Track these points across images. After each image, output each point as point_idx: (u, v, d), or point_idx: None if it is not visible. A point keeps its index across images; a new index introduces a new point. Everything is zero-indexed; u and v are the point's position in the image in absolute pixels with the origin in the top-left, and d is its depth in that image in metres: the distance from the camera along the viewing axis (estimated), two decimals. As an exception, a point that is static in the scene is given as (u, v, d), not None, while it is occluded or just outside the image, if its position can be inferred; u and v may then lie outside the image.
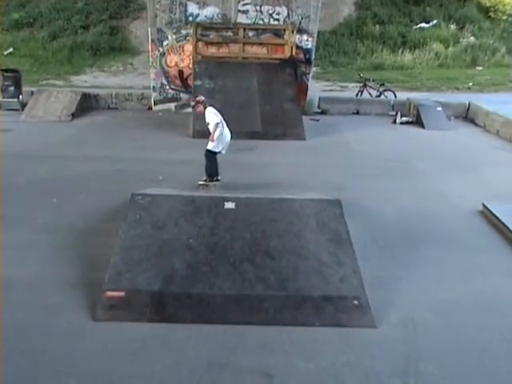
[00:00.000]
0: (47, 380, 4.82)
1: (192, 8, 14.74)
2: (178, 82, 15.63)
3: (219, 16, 14.86)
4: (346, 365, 5.06)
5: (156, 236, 6.79)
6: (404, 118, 15.60)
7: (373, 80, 18.71)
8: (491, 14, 27.97)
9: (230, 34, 15.03)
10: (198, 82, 14.20)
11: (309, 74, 15.85)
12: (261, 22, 14.98)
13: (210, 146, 9.60)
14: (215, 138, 9.53)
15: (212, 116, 9.62)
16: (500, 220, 8.25)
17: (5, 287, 6.14)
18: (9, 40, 24.29)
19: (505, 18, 27.70)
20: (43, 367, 4.97)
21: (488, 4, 28.14)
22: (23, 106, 15.07)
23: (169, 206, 7.42)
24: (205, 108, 9.77)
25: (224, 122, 9.81)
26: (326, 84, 21.39)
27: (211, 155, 9.66)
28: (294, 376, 4.98)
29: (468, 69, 24.50)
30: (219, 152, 9.73)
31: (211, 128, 9.57)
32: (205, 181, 9.70)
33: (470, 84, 21.99)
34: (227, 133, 9.86)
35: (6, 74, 15.32)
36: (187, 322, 5.68)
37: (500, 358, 5.34)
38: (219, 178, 9.81)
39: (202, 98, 10.11)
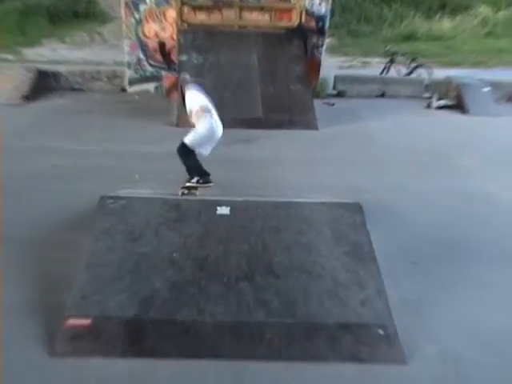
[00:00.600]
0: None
1: (175, -37, 14.76)
2: (158, 56, 15.62)
3: (210, -27, 14.91)
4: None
5: (131, 249, 6.81)
6: (442, 102, 15.61)
7: (402, 54, 18.75)
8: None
9: (223, -5, 15.07)
10: (184, 57, 14.18)
11: (322, 46, 15.85)
12: (262, -18, 15.03)
13: (190, 139, 8.37)
14: (201, 131, 8.44)
15: (196, 98, 8.73)
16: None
17: None
18: None
19: None
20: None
21: None
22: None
23: (147, 211, 7.45)
24: (182, 89, 9.12)
25: (214, 110, 8.72)
26: (343, 59, 21.43)
27: (186, 152, 8.48)
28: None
29: (523, 38, 24.45)
30: (198, 153, 8.65)
31: (194, 114, 8.55)
32: (196, 182, 8.79)
33: (526, 58, 21.97)
34: (218, 126, 8.62)
35: None
36: (170, 357, 5.67)
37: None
38: (210, 180, 8.88)
39: (186, 76, 9.53)
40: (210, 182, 8.84)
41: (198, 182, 8.76)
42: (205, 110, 8.46)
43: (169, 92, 15.57)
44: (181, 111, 13.00)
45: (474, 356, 5.82)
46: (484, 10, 25.42)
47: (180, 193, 8.62)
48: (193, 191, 8.76)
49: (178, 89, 9.30)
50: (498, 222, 8.76)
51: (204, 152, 8.55)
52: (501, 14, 25.40)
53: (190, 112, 8.71)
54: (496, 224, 8.69)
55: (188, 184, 8.73)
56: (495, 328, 6.28)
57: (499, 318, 6.43)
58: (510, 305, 6.71)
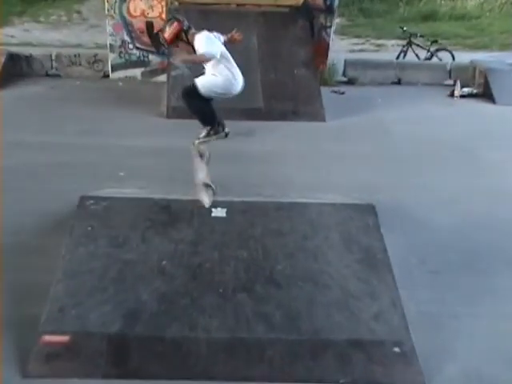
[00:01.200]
0: None
1: None
2: (145, 38, 15.63)
3: None
4: None
5: (115, 256, 6.83)
6: (466, 90, 15.62)
7: (421, 36, 18.76)
8: None
9: (219, -31, 15.09)
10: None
11: (330, 27, 15.85)
12: (262, -48, 15.04)
13: (201, 82, 7.79)
14: (217, 79, 7.83)
15: (209, 40, 7.85)
16: None
17: None
18: None
19: None
20: None
21: None
22: None
23: (133, 213, 7.47)
24: (186, 30, 7.92)
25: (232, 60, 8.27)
26: (354, 42, 21.45)
27: (192, 93, 7.89)
28: None
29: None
30: (209, 97, 7.99)
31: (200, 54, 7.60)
32: (207, 134, 8.26)
33: None
34: (238, 73, 8.24)
35: None
36: (158, 379, 5.67)
37: None
38: (226, 129, 8.49)
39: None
40: (225, 132, 8.44)
41: (208, 133, 8.23)
42: (219, 53, 7.74)
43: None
44: (171, 100, 13.10)
45: (499, 374, 5.86)
46: (514, -15, 25.48)
47: (199, 147, 8.28)
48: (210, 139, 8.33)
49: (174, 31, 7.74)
50: (529, 226, 8.78)
51: (218, 95, 8.01)
52: (534, -13, 25.45)
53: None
54: (527, 228, 8.72)
55: (202, 137, 8.25)
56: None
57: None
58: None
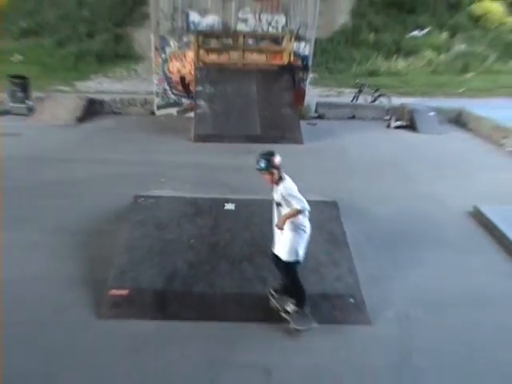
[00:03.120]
0: (53, 374, 4.87)
1: (193, 16, 14.72)
2: (179, 87, 15.59)
3: (220, 24, 14.83)
4: (342, 361, 5.07)
5: (159, 236, 6.81)
6: (398, 123, 15.58)
7: (368, 86, 18.71)
8: (481, 22, 28.00)
9: (230, 41, 15.00)
10: (200, 88, 14.18)
11: (306, 79, 15.82)
12: (260, 30, 14.96)
13: (284, 252, 5.46)
14: (288, 241, 5.41)
15: (293, 193, 5.36)
16: (490, 221, 8.27)
17: (12, 285, 6.19)
18: (17, 48, 24.32)
19: (494, 26, 27.75)
20: (49, 361, 5.02)
21: (478, 13, 28.19)
22: (31, 111, 15.02)
23: (171, 207, 7.44)
24: (280, 178, 5.57)
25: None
26: (322, 89, 21.36)
27: (290, 267, 5.54)
28: (292, 372, 5.01)
29: (459, 75, 24.46)
30: (298, 261, 5.53)
31: (285, 210, 5.38)
32: (295, 310, 5.68)
33: (462, 90, 21.98)
34: (308, 225, 5.58)
35: (14, 81, 15.25)
36: (189, 320, 5.70)
37: (489, 351, 5.42)
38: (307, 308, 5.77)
39: (278, 158, 5.64)
40: (312, 323, 5.61)
41: (296, 310, 5.67)
42: (303, 209, 5.30)
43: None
44: (196, 130, 13.09)
45: (420, 315, 5.89)
46: (429, 54, 25.55)
47: (291, 323, 5.61)
48: (302, 318, 5.66)
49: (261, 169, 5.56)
50: (438, 216, 8.75)
51: (300, 257, 5.47)
52: (442, 56, 25.57)
53: (279, 203, 5.49)
54: (436, 218, 8.69)
55: (289, 310, 5.70)
56: (434, 294, 6.39)
57: (437, 286, 6.55)
58: (444, 278, 6.79)
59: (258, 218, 7.10)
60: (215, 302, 5.92)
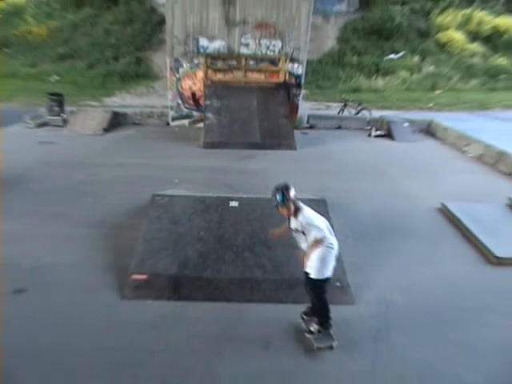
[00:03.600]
0: (85, 346, 4.90)
1: (203, 41, 14.75)
2: (191, 102, 15.56)
3: (225, 48, 14.84)
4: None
5: (173, 229, 6.79)
6: (378, 132, 15.54)
7: (352, 100, 18.65)
8: (446, 48, 28.43)
9: (234, 62, 14.99)
10: (208, 102, 14.18)
11: (299, 95, 15.79)
12: (259, 53, 14.95)
13: (313, 270, 4.89)
14: (316, 258, 4.80)
15: (313, 222, 4.78)
16: (455, 216, 8.27)
17: (50, 270, 6.25)
18: (55, 70, 24.62)
19: (457, 51, 28.12)
20: (81, 336, 5.05)
21: (444, 40, 28.65)
22: (65, 122, 15.04)
23: (183, 204, 7.42)
24: (296, 210, 4.90)
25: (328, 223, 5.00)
26: (313, 103, 21.34)
27: (319, 285, 4.97)
28: (287, 344, 5.01)
29: (429, 92, 24.53)
30: (328, 279, 4.95)
31: (308, 240, 4.81)
32: (318, 329, 5.13)
33: (431, 104, 22.01)
34: (335, 242, 4.91)
35: (52, 97, 15.36)
36: (199, 301, 5.71)
37: (457, 327, 5.42)
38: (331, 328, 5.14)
39: (292, 192, 4.93)
40: (333, 341, 5.05)
41: (318, 329, 5.13)
42: (323, 238, 4.72)
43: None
44: (205, 138, 13.08)
45: (398, 297, 5.87)
46: (403, 74, 25.66)
47: (314, 343, 5.03)
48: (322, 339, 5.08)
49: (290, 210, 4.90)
50: (411, 212, 8.72)
51: (329, 274, 4.90)
52: (414, 76, 25.76)
53: (298, 230, 4.89)
54: (410, 213, 8.65)
55: (313, 329, 5.15)
56: (409, 279, 6.37)
57: (411, 273, 6.53)
58: (417, 265, 6.77)
59: (257, 214, 7.09)
60: (221, 285, 5.91)
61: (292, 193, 4.89)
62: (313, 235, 4.70)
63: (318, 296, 5.02)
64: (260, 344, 5.00)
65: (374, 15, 28.84)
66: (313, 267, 4.86)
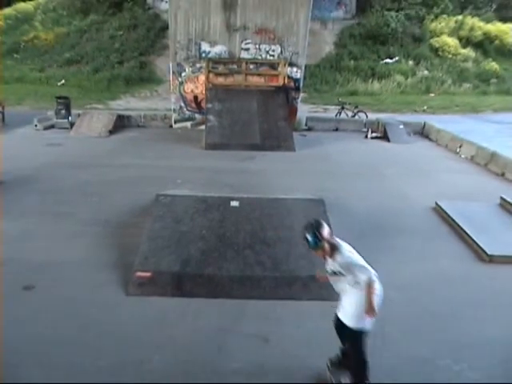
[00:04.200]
0: (92, 340, 4.88)
1: (204, 46, 14.75)
2: (193, 105, 15.57)
3: (226, 53, 14.85)
4: (327, 330, 5.02)
5: (176, 228, 6.78)
6: (374, 134, 15.54)
7: (349, 103, 18.67)
8: (440, 53, 28.55)
9: (234, 66, 14.99)
10: (210, 105, 14.20)
11: (298, 98, 15.80)
12: (259, 57, 14.96)
13: (352, 317, 4.05)
14: (375, 306, 3.90)
15: (354, 261, 3.98)
16: (449, 215, 8.27)
17: (58, 267, 6.25)
18: (61, 74, 24.66)
19: (450, 56, 28.21)
20: (88, 330, 5.04)
21: (437, 45, 28.75)
22: (71, 125, 15.05)
23: (186, 204, 7.41)
24: (333, 249, 4.03)
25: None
26: (311, 106, 21.36)
27: (357, 336, 4.07)
28: (286, 339, 5.00)
29: (423, 95, 24.59)
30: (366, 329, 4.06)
31: (355, 280, 3.93)
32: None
33: (425, 107, 22.08)
34: (378, 286, 3.94)
35: (58, 100, 15.37)
36: (201, 297, 5.69)
37: (449, 321, 5.43)
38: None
39: (326, 230, 4.06)
40: None
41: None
42: (373, 275, 3.88)
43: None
44: (207, 139, 13.08)
45: (393, 294, 5.79)
46: (399, 78, 25.71)
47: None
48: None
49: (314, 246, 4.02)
50: (406, 210, 8.74)
51: (368, 325, 4.02)
52: (409, 80, 25.82)
53: (338, 272, 4.00)
54: (405, 211, 8.68)
55: (340, 380, 4.31)
56: (404, 275, 6.36)
57: (406, 271, 6.52)
58: (412, 262, 6.78)
59: (257, 213, 7.07)
60: (223, 282, 5.89)
61: (326, 231, 4.01)
62: (359, 277, 3.86)
63: (357, 349, 4.08)
64: (259, 339, 4.98)
65: (370, 21, 28.95)
66: (352, 315, 4.00)
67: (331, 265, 4.04)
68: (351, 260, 3.95)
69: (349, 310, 4.04)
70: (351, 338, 4.13)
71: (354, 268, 3.88)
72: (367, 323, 3.99)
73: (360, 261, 3.97)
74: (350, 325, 4.03)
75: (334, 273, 4.02)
